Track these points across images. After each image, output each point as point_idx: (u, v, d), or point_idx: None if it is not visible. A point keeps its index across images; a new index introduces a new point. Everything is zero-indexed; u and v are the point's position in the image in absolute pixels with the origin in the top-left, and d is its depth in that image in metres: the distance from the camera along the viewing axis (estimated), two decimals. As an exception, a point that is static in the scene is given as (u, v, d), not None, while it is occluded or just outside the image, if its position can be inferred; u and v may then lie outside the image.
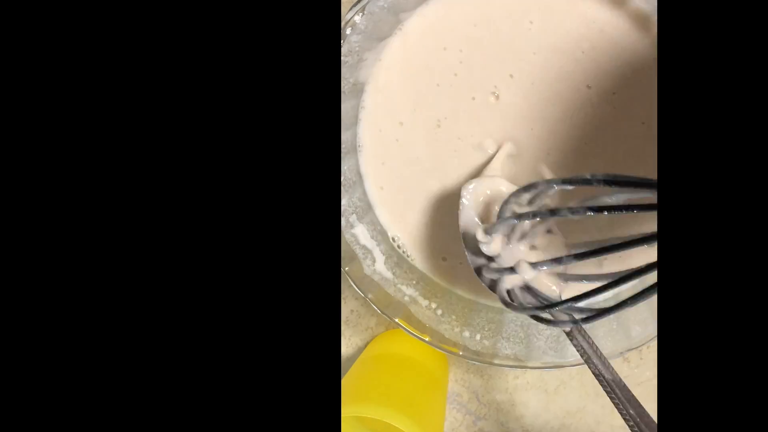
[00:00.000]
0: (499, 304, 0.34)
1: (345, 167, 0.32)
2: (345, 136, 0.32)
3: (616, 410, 0.36)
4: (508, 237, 0.28)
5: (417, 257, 0.34)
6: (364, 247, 0.33)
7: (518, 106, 0.31)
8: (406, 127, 0.33)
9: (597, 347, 0.28)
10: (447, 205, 0.33)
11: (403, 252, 0.34)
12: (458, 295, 0.35)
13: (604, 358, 0.27)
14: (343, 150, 0.32)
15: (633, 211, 0.21)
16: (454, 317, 0.33)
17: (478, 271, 0.29)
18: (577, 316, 0.25)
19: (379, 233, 0.34)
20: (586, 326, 0.28)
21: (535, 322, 0.28)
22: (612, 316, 0.33)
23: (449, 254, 0.34)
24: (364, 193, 0.34)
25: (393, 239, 0.34)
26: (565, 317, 0.26)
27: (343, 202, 0.32)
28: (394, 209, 0.34)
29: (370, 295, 0.32)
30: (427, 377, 0.35)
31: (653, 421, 0.25)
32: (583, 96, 0.31)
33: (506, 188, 0.29)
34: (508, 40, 0.31)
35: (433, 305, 0.34)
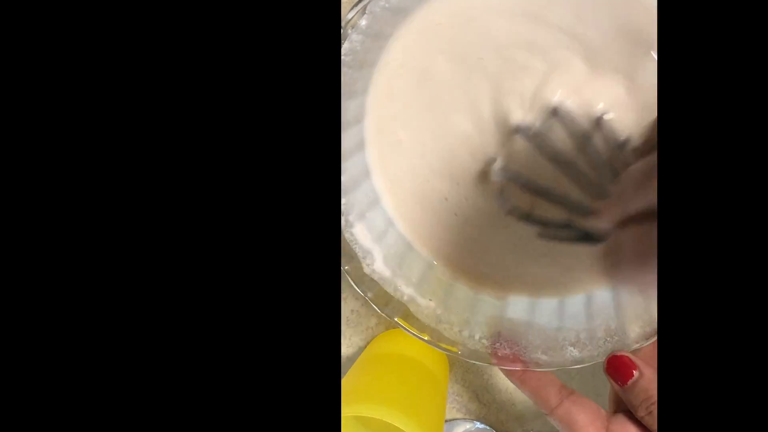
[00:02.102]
0: (499, 302, 0.35)
1: (345, 166, 0.32)
2: (347, 135, 0.32)
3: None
4: None
5: (422, 247, 0.35)
6: (363, 246, 0.33)
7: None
8: (409, 126, 0.33)
9: None
10: (455, 199, 0.33)
11: (410, 241, 0.35)
12: (458, 294, 0.35)
13: None
14: (344, 149, 0.32)
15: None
16: (453, 316, 0.33)
17: None
18: None
19: (383, 226, 0.34)
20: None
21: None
22: (612, 317, 0.33)
23: (455, 243, 0.34)
24: (372, 189, 0.34)
25: (400, 231, 0.35)
26: None
27: (343, 201, 0.32)
28: (400, 206, 0.34)
29: (369, 294, 0.32)
30: (427, 377, 0.35)
31: None
32: None
33: None
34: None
35: (433, 304, 0.34)
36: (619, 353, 0.28)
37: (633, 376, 0.27)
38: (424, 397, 0.33)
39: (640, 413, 0.27)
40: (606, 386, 0.38)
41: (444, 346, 0.32)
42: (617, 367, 0.28)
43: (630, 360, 0.28)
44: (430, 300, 0.34)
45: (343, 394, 0.32)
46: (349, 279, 0.32)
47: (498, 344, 0.32)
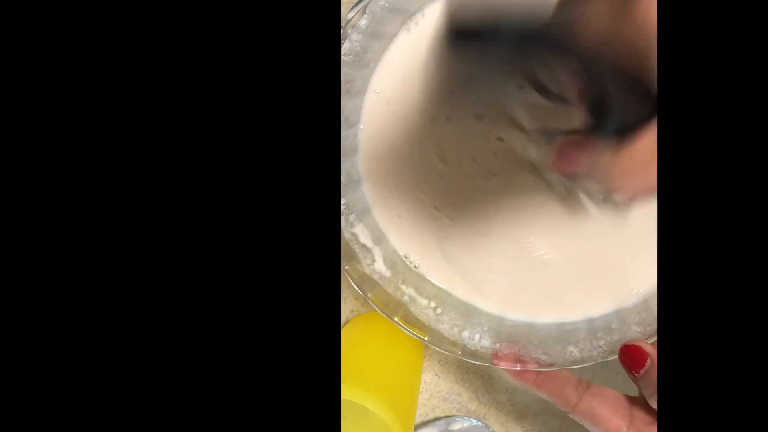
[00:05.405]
0: (497, 308, 0.35)
1: (345, 166, 0.32)
2: (347, 135, 0.32)
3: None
4: None
5: (415, 258, 0.34)
6: (363, 246, 0.33)
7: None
8: (406, 128, 0.33)
9: None
10: (449, 204, 0.33)
11: (403, 255, 0.34)
12: (457, 296, 0.35)
13: None
14: (343, 149, 0.32)
15: None
16: (453, 317, 0.33)
17: None
18: None
19: (377, 235, 0.34)
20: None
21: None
22: (612, 317, 0.33)
23: (445, 253, 0.34)
24: (363, 193, 0.34)
25: (389, 242, 0.34)
26: None
27: (343, 201, 0.32)
28: (391, 211, 0.34)
29: (369, 294, 0.32)
30: (402, 361, 0.35)
31: None
32: None
33: None
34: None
35: (433, 304, 0.34)
36: (632, 342, 0.28)
37: (646, 365, 0.27)
38: (399, 381, 0.33)
39: (654, 403, 0.27)
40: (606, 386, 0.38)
41: (444, 346, 0.32)
42: (631, 355, 0.27)
43: (643, 349, 0.27)
44: (431, 300, 0.34)
45: None
46: (349, 279, 0.32)
47: (498, 344, 0.32)
